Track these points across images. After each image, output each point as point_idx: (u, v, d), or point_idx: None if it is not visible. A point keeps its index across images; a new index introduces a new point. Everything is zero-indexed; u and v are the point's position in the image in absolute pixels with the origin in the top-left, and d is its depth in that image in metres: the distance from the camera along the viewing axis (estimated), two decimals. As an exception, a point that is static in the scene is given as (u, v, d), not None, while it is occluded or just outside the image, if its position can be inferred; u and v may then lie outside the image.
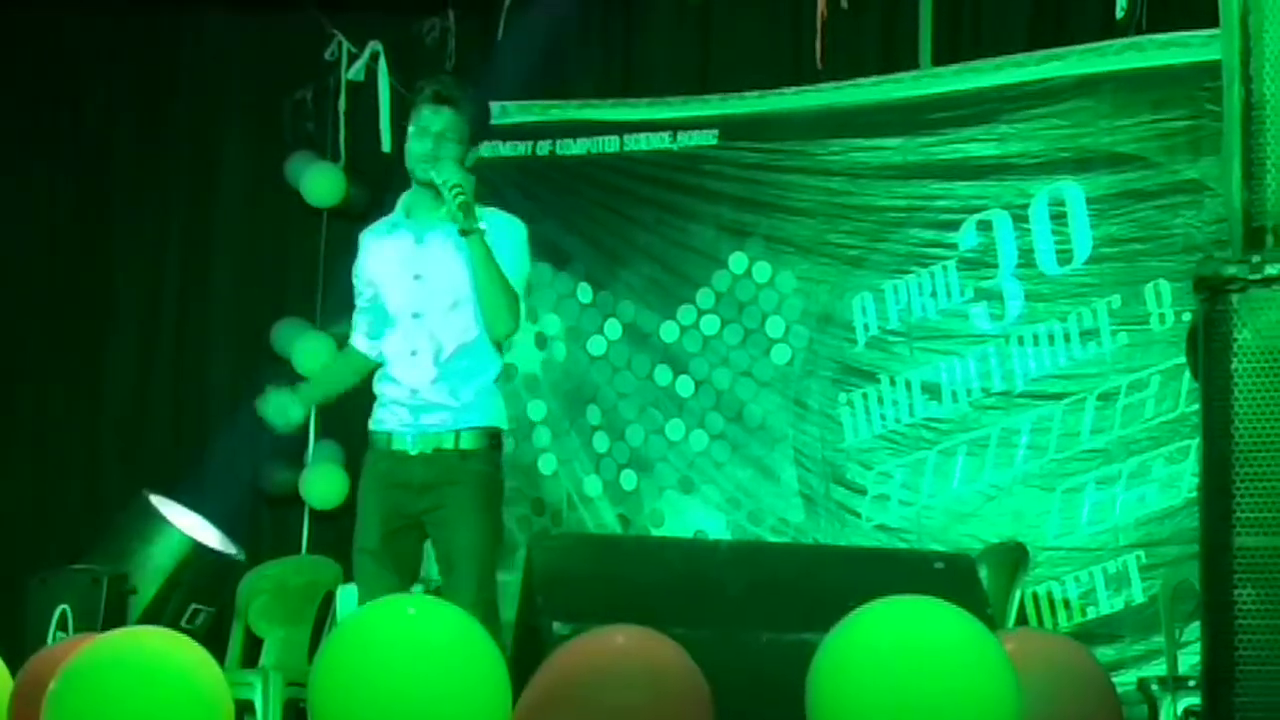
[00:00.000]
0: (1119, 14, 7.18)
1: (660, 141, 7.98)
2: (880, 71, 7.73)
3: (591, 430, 8.01)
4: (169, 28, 8.73)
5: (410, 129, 5.44)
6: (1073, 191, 7.31)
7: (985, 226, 7.44)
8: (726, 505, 7.77)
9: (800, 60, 7.91)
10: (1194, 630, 6.14)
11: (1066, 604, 7.17)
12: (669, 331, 7.93)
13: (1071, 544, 7.18)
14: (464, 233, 5.23)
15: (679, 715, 3.72)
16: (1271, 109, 3.25)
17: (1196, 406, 3.35)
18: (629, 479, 7.94)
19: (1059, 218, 7.32)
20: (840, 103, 7.72)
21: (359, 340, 5.59)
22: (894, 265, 7.58)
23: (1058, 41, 7.40)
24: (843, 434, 7.61)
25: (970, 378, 7.41)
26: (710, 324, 7.86)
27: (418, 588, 5.77)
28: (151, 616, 7.04)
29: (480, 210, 5.29)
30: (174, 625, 6.58)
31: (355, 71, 8.38)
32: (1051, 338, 7.30)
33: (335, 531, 7.75)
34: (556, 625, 4.65)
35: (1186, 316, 6.83)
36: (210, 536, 7.61)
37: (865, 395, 7.57)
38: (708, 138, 7.91)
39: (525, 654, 4.79)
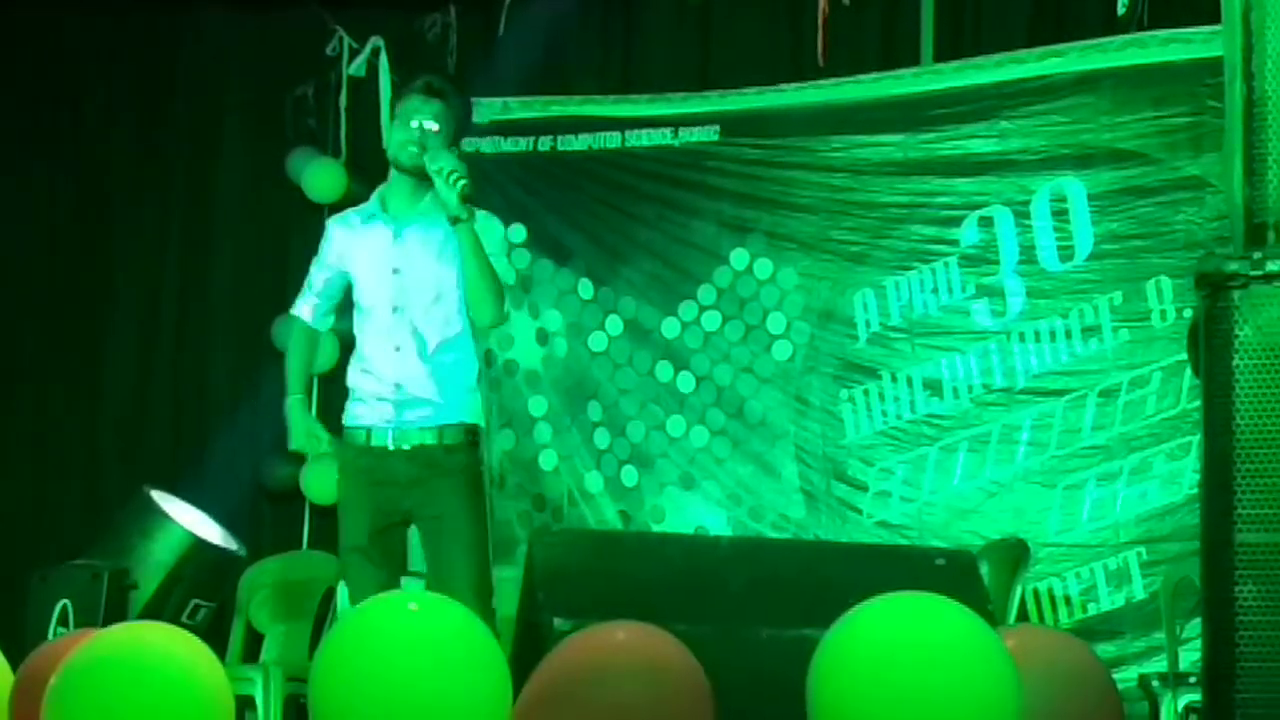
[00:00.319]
0: (1120, 10, 7.18)
1: (662, 137, 7.97)
2: (881, 68, 7.72)
3: (593, 426, 8.01)
4: (169, 24, 8.72)
5: (398, 117, 5.44)
6: (1074, 188, 7.31)
7: (987, 223, 7.44)
8: (727, 501, 7.77)
9: (801, 56, 7.90)
10: (1195, 627, 6.14)
11: (1067, 600, 7.17)
12: (670, 328, 7.92)
13: (1072, 540, 7.18)
14: (455, 221, 5.22)
15: (680, 711, 3.72)
16: (1273, 105, 3.25)
17: (1198, 403, 3.35)
18: (630, 475, 7.93)
19: (1060, 214, 7.32)
20: (841, 99, 7.71)
21: (305, 310, 5.59)
22: (895, 261, 7.58)
23: (1059, 38, 7.39)
24: (844, 430, 7.60)
25: (972, 374, 7.41)
26: (711, 320, 7.86)
27: (418, 583, 5.76)
28: (152, 612, 7.04)
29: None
30: (175, 621, 6.57)
31: (356, 67, 8.38)
32: (1053, 334, 7.30)
33: (336, 527, 7.71)
34: (557, 621, 4.66)
35: (1188, 313, 6.82)
36: (211, 532, 7.60)
37: (866, 391, 7.57)
38: (709, 134, 7.91)
39: (526, 650, 4.80)
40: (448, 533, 5.30)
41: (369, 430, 5.38)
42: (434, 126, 5.35)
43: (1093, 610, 7.14)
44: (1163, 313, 7.13)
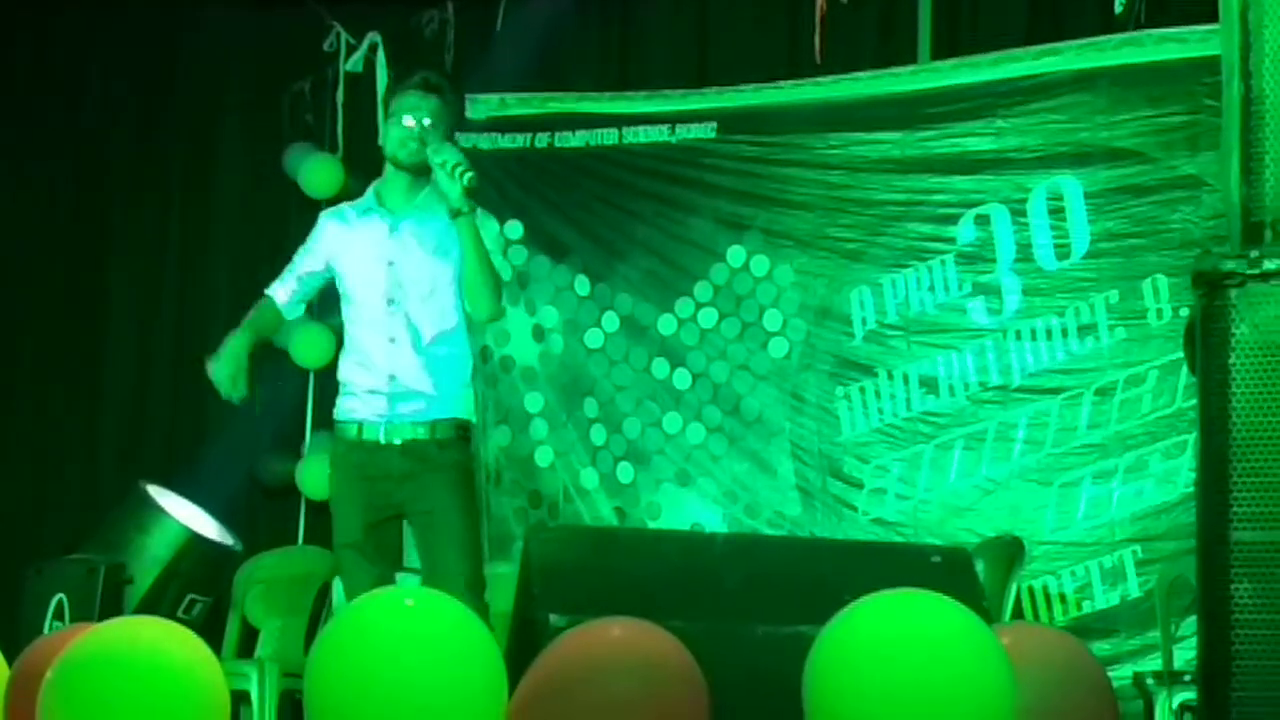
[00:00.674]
0: (1117, 9, 7.18)
1: (659, 134, 7.98)
2: (879, 65, 7.73)
3: (589, 423, 8.01)
4: (167, 21, 8.72)
5: (393, 114, 5.42)
6: (1071, 186, 7.31)
7: (983, 221, 7.45)
8: (723, 498, 7.77)
9: (799, 54, 7.91)
10: (1190, 625, 6.15)
11: (1062, 598, 7.17)
12: (666, 324, 7.93)
13: (1068, 538, 7.18)
14: (456, 214, 5.21)
15: (675, 707, 3.72)
16: (1270, 104, 3.25)
17: (1194, 401, 3.35)
18: (626, 471, 7.94)
19: (1057, 213, 7.32)
20: (839, 97, 7.71)
21: (280, 293, 5.59)
22: (892, 259, 7.58)
23: (1056, 37, 7.39)
24: (840, 428, 7.61)
25: (968, 372, 7.42)
26: (708, 317, 7.87)
27: (413, 579, 5.76)
28: (148, 606, 7.04)
29: None
30: (170, 615, 6.59)
31: (354, 63, 8.38)
32: (1049, 332, 7.30)
33: (331, 522, 7.74)
34: (553, 617, 4.66)
35: (1184, 312, 6.83)
36: (207, 527, 7.61)
37: (863, 389, 7.58)
38: (706, 131, 7.91)
39: (522, 646, 4.79)
40: (439, 527, 5.29)
41: (360, 424, 5.37)
42: (431, 123, 5.34)
43: (1088, 608, 7.14)
44: (1159, 311, 7.14)
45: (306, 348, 8.06)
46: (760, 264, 7.79)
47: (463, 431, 5.39)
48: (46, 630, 6.68)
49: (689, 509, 7.82)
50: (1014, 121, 7.39)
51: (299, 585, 7.17)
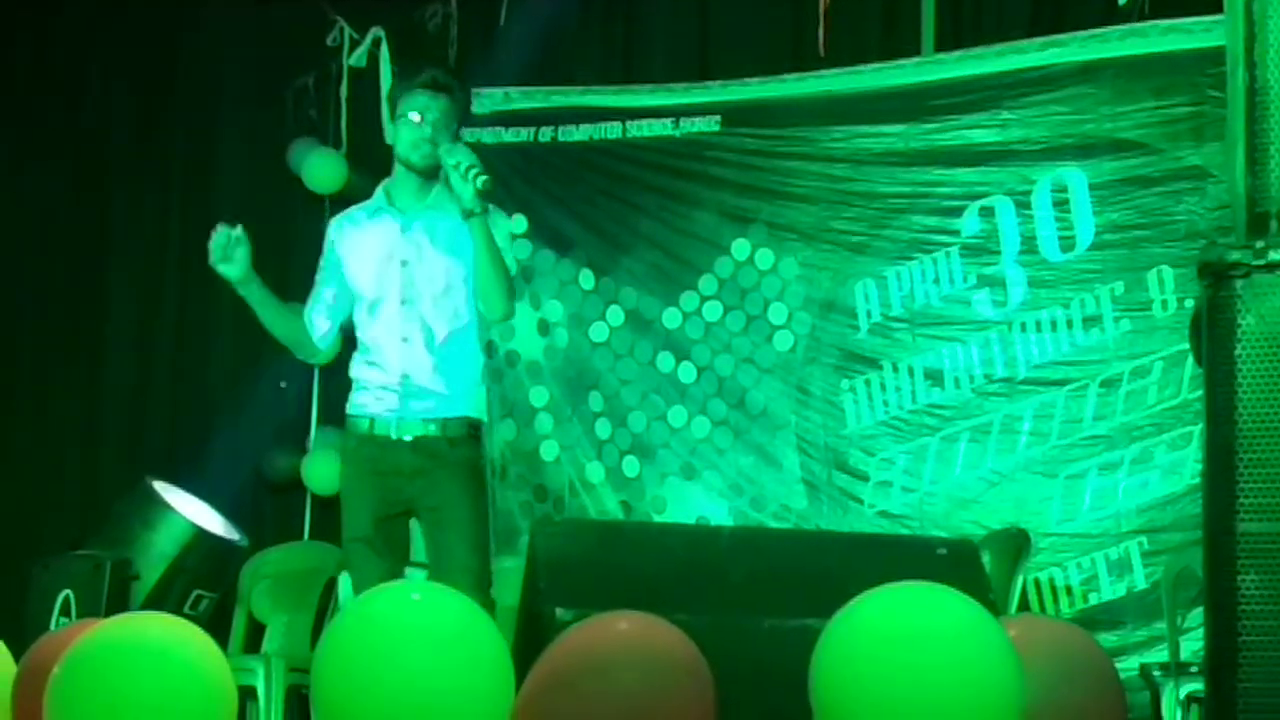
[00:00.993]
0: (1121, 0, 7.17)
1: (662, 128, 7.98)
2: (882, 58, 7.72)
3: (594, 417, 8.02)
4: (169, 15, 8.72)
5: (403, 115, 5.40)
6: (1075, 178, 7.31)
7: (988, 213, 7.44)
8: (729, 492, 7.78)
9: (802, 46, 7.90)
10: (1196, 616, 6.15)
11: (1069, 590, 7.17)
12: (671, 318, 7.93)
13: (1074, 530, 7.18)
14: (469, 214, 5.21)
15: (682, 701, 3.72)
16: (1275, 95, 3.25)
17: (1199, 393, 3.35)
18: (631, 465, 7.94)
19: (1061, 204, 7.32)
20: (843, 89, 7.70)
21: (320, 323, 5.52)
22: (896, 252, 7.58)
23: (1060, 28, 7.39)
24: (845, 420, 7.61)
25: (973, 364, 7.41)
26: (713, 310, 7.86)
27: (420, 573, 5.76)
28: (154, 602, 7.05)
29: None
30: (177, 611, 6.59)
31: (357, 58, 8.38)
32: (1054, 324, 7.30)
33: (337, 517, 7.67)
34: (559, 611, 4.65)
35: (1189, 303, 6.83)
36: (213, 522, 7.62)
37: (868, 382, 7.57)
38: (710, 124, 7.91)
39: (528, 640, 4.79)
40: (448, 523, 5.30)
41: (372, 419, 5.38)
42: (441, 122, 5.33)
43: (1094, 600, 7.14)
44: (1164, 302, 7.13)
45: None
46: (765, 257, 7.79)
47: (474, 429, 5.41)
48: (53, 626, 6.68)
49: (695, 502, 7.83)
50: (1018, 113, 7.38)
51: (305, 580, 7.17)
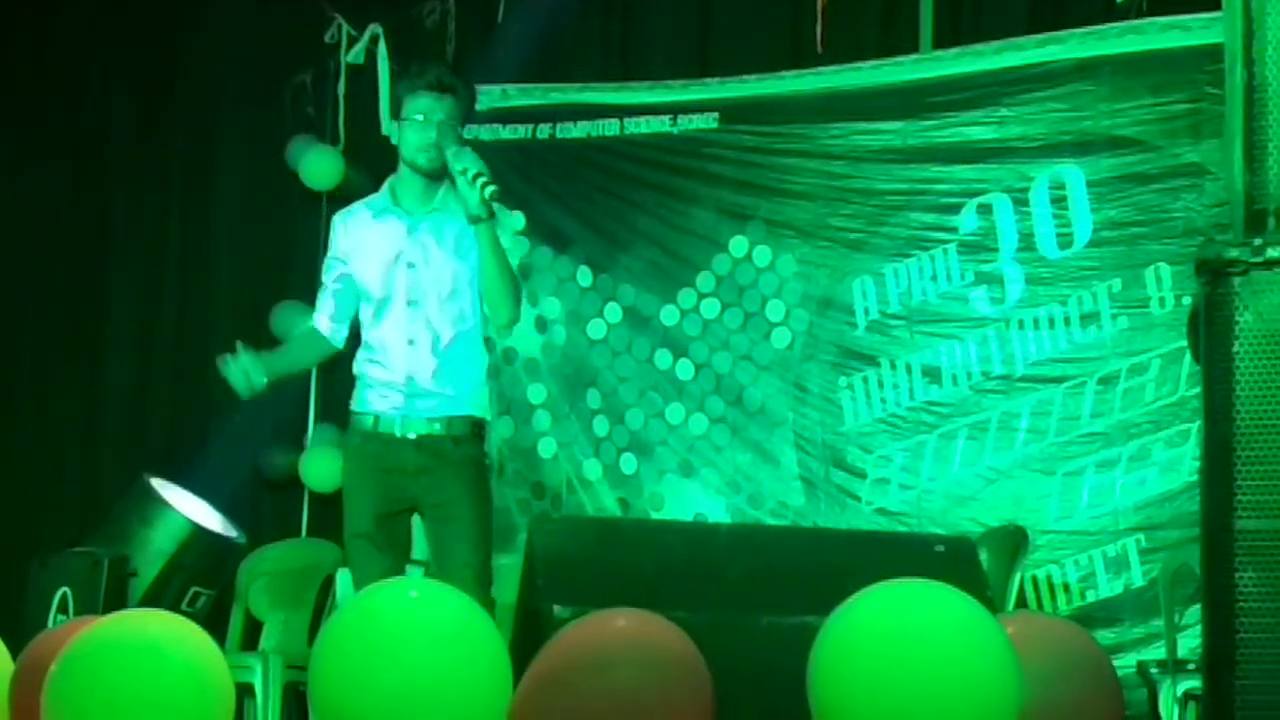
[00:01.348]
0: (1119, -3, 7.18)
1: (660, 125, 7.97)
2: (881, 55, 7.71)
3: (591, 414, 8.01)
4: (168, 13, 8.71)
5: (408, 117, 5.38)
6: (1073, 175, 7.31)
7: (985, 210, 7.44)
8: (726, 489, 7.77)
9: (800, 43, 7.90)
10: (1194, 614, 6.15)
11: (1066, 587, 7.17)
12: (669, 315, 7.92)
13: (1071, 527, 7.18)
14: (475, 220, 5.21)
15: (680, 699, 3.72)
16: (1274, 92, 3.25)
17: (1197, 390, 3.35)
18: (629, 462, 7.94)
19: (1059, 201, 7.31)
20: (840, 86, 7.70)
21: (322, 322, 5.55)
22: (894, 249, 7.57)
23: (1058, 25, 7.38)
24: (843, 418, 7.60)
25: (970, 361, 7.41)
26: (710, 308, 7.86)
27: (418, 570, 5.76)
28: (152, 599, 7.05)
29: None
30: (174, 608, 6.59)
31: (355, 55, 8.37)
32: (1052, 321, 7.30)
33: (335, 514, 7.68)
34: (557, 608, 4.66)
35: (1187, 300, 6.82)
36: (211, 519, 7.61)
37: (865, 379, 7.57)
38: (708, 121, 7.90)
39: (526, 637, 4.80)
40: (451, 520, 5.31)
41: (377, 416, 5.38)
42: (447, 123, 5.32)
43: (1092, 597, 7.14)
44: (1162, 300, 7.13)
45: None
46: (762, 254, 7.79)
47: (478, 428, 5.42)
48: (51, 624, 6.69)
49: (692, 500, 7.82)
50: (1016, 110, 7.38)
51: (303, 578, 7.17)
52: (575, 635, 3.86)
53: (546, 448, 8.07)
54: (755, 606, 4.88)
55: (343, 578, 6.37)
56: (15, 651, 4.51)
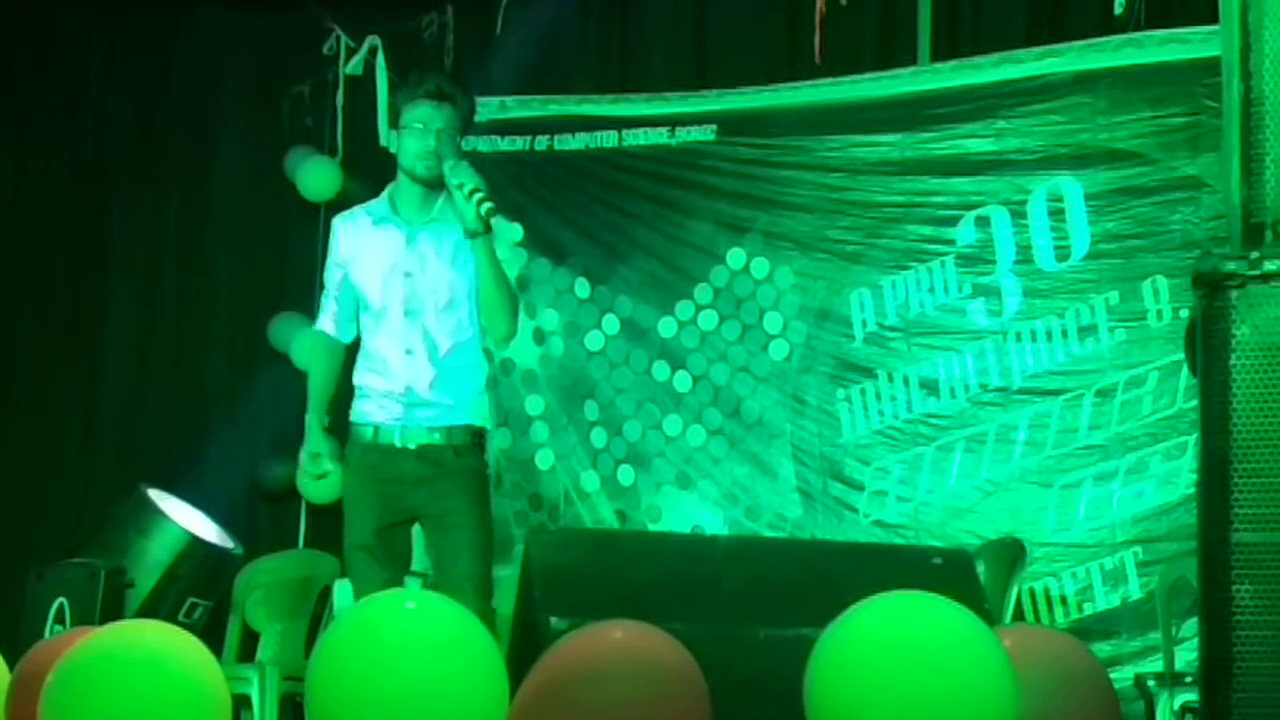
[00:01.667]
0: (1118, 10, 7.18)
1: (658, 137, 7.98)
2: (878, 67, 7.72)
3: (589, 425, 8.01)
4: (166, 23, 8.72)
5: (407, 126, 5.38)
6: (1071, 188, 7.31)
7: (983, 222, 7.44)
8: (724, 501, 7.77)
9: (798, 56, 7.91)
10: (1191, 626, 6.15)
11: (1064, 600, 7.17)
12: (667, 327, 7.93)
13: (1069, 540, 7.18)
14: (472, 234, 5.21)
15: (677, 710, 3.72)
16: (1271, 105, 3.25)
17: (1194, 403, 3.35)
18: (626, 474, 7.94)
19: (1057, 214, 7.32)
20: (839, 98, 7.71)
21: (327, 324, 5.54)
22: (892, 261, 7.58)
23: (1056, 38, 7.39)
24: (840, 430, 7.60)
25: (968, 374, 7.41)
26: (708, 319, 7.86)
27: (416, 581, 5.76)
28: (149, 610, 7.04)
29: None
30: (171, 619, 6.58)
31: (353, 66, 8.38)
32: (1049, 334, 7.30)
33: (332, 526, 7.69)
34: (554, 620, 4.66)
35: (1184, 313, 6.82)
36: (208, 530, 7.61)
37: (863, 391, 7.57)
38: (706, 133, 7.91)
39: (523, 648, 4.79)
40: (452, 531, 5.31)
41: (376, 427, 5.37)
42: (445, 133, 5.32)
43: (1089, 610, 7.14)
44: (1159, 312, 7.13)
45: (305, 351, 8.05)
46: (760, 266, 7.79)
47: (478, 438, 5.41)
48: (47, 634, 6.67)
49: (690, 511, 7.82)
50: (1014, 123, 7.39)
51: (300, 589, 7.17)
52: (572, 647, 3.86)
53: (544, 459, 8.07)
54: (752, 618, 4.87)
55: (340, 589, 6.37)
56: (12, 662, 4.50)
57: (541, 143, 8.15)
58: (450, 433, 5.34)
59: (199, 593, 7.38)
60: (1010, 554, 6.68)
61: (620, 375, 7.99)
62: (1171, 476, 7.02)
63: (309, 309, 8.36)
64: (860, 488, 7.54)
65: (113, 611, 6.87)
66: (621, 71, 8.34)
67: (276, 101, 8.51)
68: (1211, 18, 3.76)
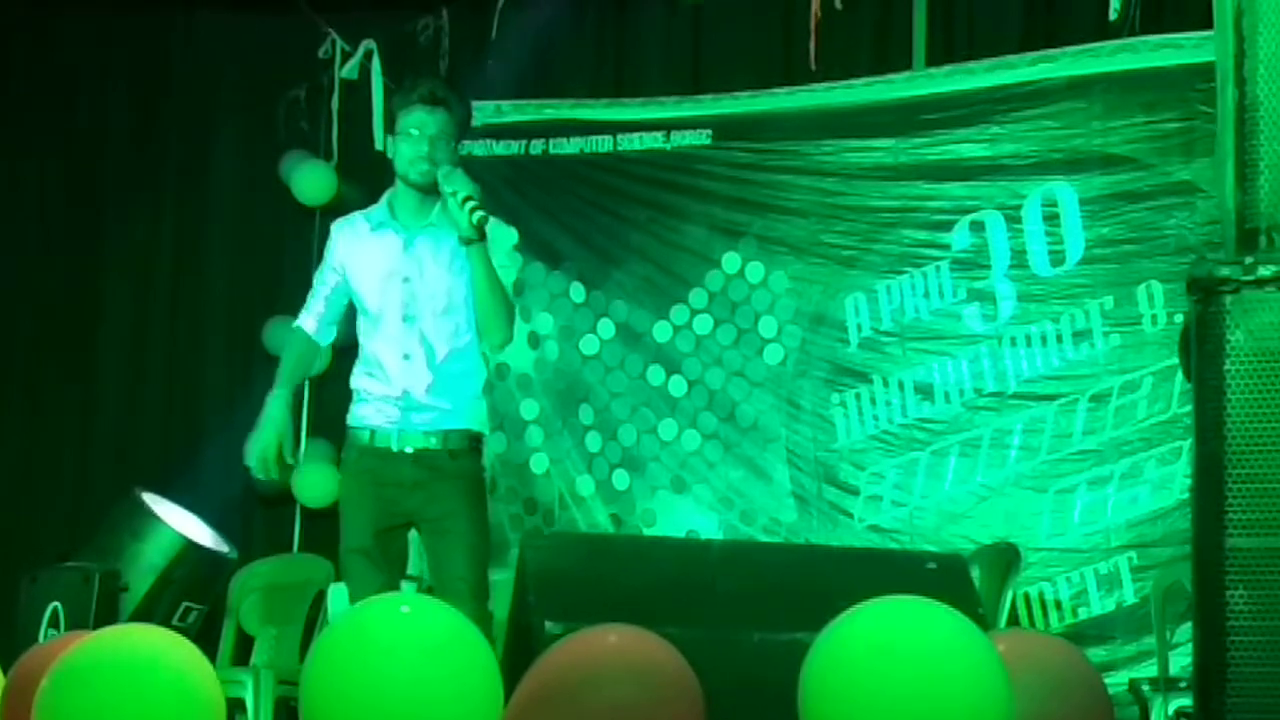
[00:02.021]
0: (1112, 15, 7.19)
1: (653, 141, 7.98)
2: (873, 72, 7.73)
3: (584, 430, 8.01)
4: (162, 26, 8.72)
5: (402, 130, 5.39)
6: (1065, 193, 7.32)
7: (978, 227, 7.45)
8: (719, 505, 7.77)
9: (793, 60, 7.92)
10: (1185, 631, 6.15)
11: (1058, 605, 7.17)
12: (662, 331, 7.93)
13: (1063, 545, 7.18)
14: (467, 241, 5.21)
15: (671, 715, 3.72)
16: (1265, 111, 3.26)
17: (1189, 408, 3.35)
18: (621, 478, 7.94)
19: (1051, 219, 7.33)
20: (833, 103, 7.72)
21: (308, 322, 5.53)
22: (887, 266, 7.59)
23: (1051, 43, 7.40)
24: (835, 434, 7.61)
25: (963, 378, 7.42)
26: (703, 324, 7.87)
27: (410, 586, 5.76)
28: (143, 614, 7.03)
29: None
30: (166, 623, 6.57)
31: (349, 70, 8.38)
32: (1044, 339, 7.31)
33: (327, 530, 7.70)
34: (549, 624, 4.65)
35: (1178, 318, 6.84)
36: (202, 534, 7.60)
37: (858, 395, 7.58)
38: (701, 138, 7.92)
39: (517, 653, 4.79)
40: (448, 535, 5.30)
41: (373, 431, 5.37)
42: (439, 138, 5.32)
43: (1083, 615, 7.14)
44: (1154, 317, 7.14)
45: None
46: (755, 270, 7.80)
47: (475, 442, 5.41)
48: (41, 638, 6.66)
49: (685, 516, 7.82)
50: (1009, 128, 7.40)
51: (294, 593, 7.17)
52: (567, 651, 3.85)
53: (539, 463, 8.07)
54: (747, 623, 4.87)
55: (335, 593, 6.37)
56: (6, 666, 4.49)
57: (537, 147, 8.15)
58: (447, 437, 5.34)
59: (193, 597, 7.37)
60: (1005, 559, 6.68)
61: (615, 379, 8.00)
62: (1166, 481, 7.03)
63: (305, 313, 8.39)
64: (855, 492, 7.54)
65: (107, 615, 6.86)
66: (617, 76, 8.35)
67: (272, 105, 8.51)
68: (1206, 23, 3.76)
